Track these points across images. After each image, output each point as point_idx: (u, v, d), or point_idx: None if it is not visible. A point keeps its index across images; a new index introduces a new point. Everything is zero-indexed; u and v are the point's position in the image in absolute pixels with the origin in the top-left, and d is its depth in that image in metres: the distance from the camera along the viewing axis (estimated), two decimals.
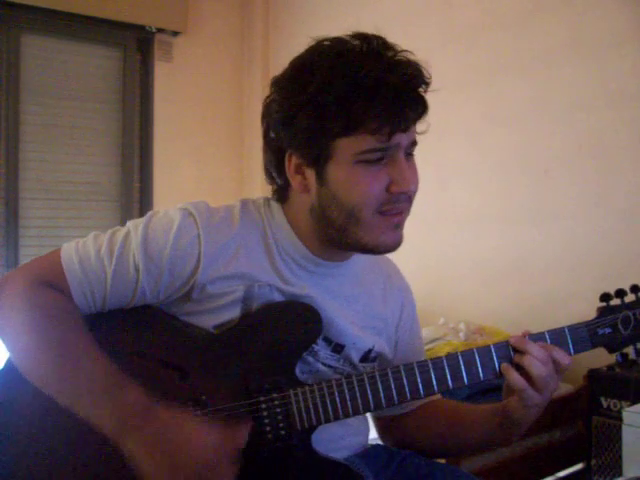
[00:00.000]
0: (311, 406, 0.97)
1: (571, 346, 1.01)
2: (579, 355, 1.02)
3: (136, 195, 3.80)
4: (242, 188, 4.00)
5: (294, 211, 1.04)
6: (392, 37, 0.97)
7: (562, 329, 1.01)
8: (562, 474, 2.17)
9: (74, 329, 0.94)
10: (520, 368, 0.97)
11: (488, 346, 1.00)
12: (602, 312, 1.04)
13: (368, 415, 1.17)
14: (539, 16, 2.60)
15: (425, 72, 0.95)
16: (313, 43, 0.99)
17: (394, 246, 1.00)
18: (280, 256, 1.04)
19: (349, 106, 0.91)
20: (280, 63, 1.01)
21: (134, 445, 0.85)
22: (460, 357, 0.99)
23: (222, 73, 4.03)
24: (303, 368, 1.04)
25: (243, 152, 4.04)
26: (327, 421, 0.98)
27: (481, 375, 0.99)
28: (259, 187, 3.73)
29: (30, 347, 0.93)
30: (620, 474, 1.82)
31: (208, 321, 1.01)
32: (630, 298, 1.04)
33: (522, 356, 0.97)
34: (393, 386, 0.98)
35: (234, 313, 1.01)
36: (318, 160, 0.96)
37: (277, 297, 1.02)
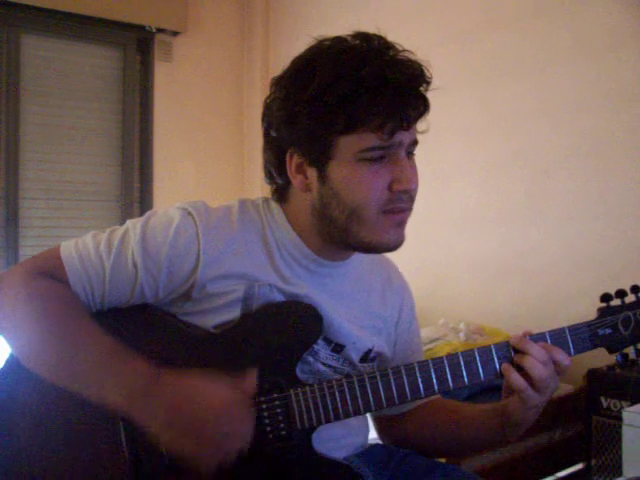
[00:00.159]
0: (312, 406, 0.97)
1: (571, 346, 1.01)
2: (579, 355, 1.02)
3: (136, 195, 3.80)
4: (242, 188, 4.00)
5: (294, 211, 1.04)
6: (392, 37, 0.98)
7: (562, 329, 1.01)
8: (562, 474, 2.17)
9: (76, 313, 0.95)
10: (520, 369, 0.97)
11: (489, 346, 1.00)
12: (602, 313, 1.04)
13: (368, 415, 1.17)
14: (539, 16, 2.60)
15: (426, 71, 0.96)
16: (314, 43, 0.99)
17: (396, 245, 1.00)
18: (280, 255, 1.04)
19: (351, 104, 0.91)
20: (280, 63, 1.01)
21: (150, 414, 0.86)
22: (461, 357, 0.99)
23: (222, 73, 4.03)
24: (303, 368, 1.04)
25: (243, 152, 4.04)
26: (327, 421, 0.98)
27: (482, 375, 0.99)
28: (259, 187, 3.73)
29: (33, 335, 0.94)
30: (620, 474, 1.82)
31: (208, 321, 1.01)
32: (630, 299, 1.04)
33: (523, 357, 0.97)
34: (393, 386, 0.98)
35: (234, 313, 1.00)
36: (320, 159, 0.96)
37: (277, 296, 1.02)
